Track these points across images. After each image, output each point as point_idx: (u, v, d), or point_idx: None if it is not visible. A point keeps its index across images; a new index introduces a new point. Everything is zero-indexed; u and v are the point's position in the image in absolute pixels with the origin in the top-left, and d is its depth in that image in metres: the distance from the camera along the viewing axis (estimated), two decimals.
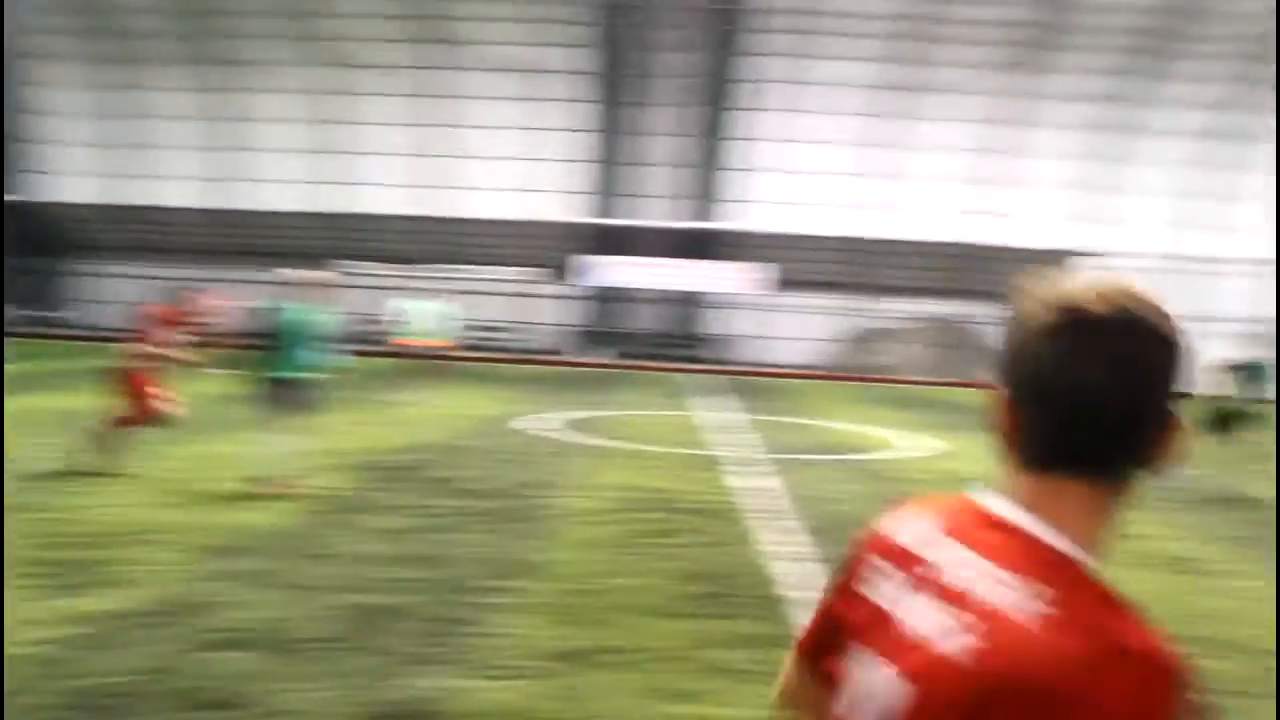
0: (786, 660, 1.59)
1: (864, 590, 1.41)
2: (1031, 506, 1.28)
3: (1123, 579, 1.28)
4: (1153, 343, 1.25)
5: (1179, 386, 1.26)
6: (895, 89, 34.21)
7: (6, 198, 34.60)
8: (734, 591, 7.52)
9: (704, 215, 37.26)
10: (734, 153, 36.69)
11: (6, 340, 21.27)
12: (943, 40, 32.78)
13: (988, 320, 37.61)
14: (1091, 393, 1.23)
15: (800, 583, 7.74)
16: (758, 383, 31.19)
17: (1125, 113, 34.57)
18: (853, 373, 35.53)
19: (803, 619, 1.59)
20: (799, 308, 36.67)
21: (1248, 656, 6.46)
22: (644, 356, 36.13)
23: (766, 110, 35.57)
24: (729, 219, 37.13)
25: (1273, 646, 6.47)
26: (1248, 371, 14.79)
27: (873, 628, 1.34)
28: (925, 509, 1.43)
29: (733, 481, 12.37)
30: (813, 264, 36.39)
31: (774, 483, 12.43)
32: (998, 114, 34.70)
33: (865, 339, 37.31)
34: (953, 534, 1.34)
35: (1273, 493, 12.43)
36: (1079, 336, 1.23)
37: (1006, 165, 35.41)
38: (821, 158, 35.10)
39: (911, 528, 1.41)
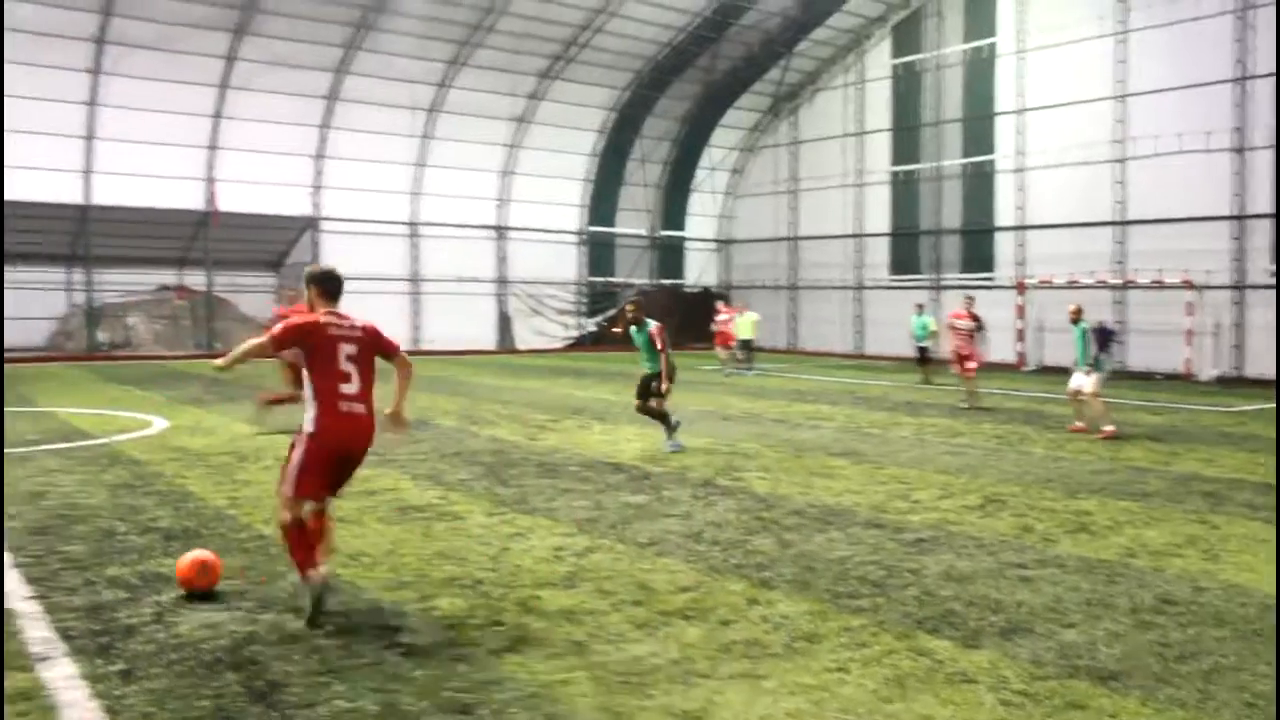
0: (256, 343, 6.42)
1: (328, 332, 6.31)
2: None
3: None
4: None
5: None
6: (126, 45, 31.46)
7: None
8: None
9: None
10: None
11: None
12: None
13: (232, 289, 36.58)
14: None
15: (20, 590, 6.73)
16: None
17: (354, 84, 35.41)
18: (83, 352, 32.52)
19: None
20: (12, 284, 32.49)
21: None
22: None
23: None
24: None
25: None
26: None
27: (339, 339, 6.31)
28: (327, 317, 6.40)
29: None
30: (20, 234, 32.34)
31: None
32: (233, 79, 33.58)
33: (95, 314, 34.11)
34: (338, 314, 6.46)
35: None
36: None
37: (236, 131, 34.46)
38: (25, 115, 31.11)
39: (328, 319, 6.37)
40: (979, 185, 35.92)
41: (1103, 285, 31.46)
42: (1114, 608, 6.61)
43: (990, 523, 9.20)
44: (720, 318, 30.16)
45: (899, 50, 38.67)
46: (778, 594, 6.87)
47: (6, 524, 8.70)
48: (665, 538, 8.49)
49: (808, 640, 5.92)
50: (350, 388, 6.30)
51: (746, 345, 29.98)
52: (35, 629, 5.97)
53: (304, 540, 6.22)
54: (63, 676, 5.25)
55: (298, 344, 6.36)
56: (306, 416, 6.28)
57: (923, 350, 25.96)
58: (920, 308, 27.37)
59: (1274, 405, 21.31)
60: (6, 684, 5.14)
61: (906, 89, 38.47)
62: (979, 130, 35.90)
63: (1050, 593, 6.94)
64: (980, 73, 35.80)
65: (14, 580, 7.00)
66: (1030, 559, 7.87)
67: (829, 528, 8.93)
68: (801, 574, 7.37)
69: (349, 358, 6.34)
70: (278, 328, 6.49)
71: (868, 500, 10.24)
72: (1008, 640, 5.94)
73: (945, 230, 37.08)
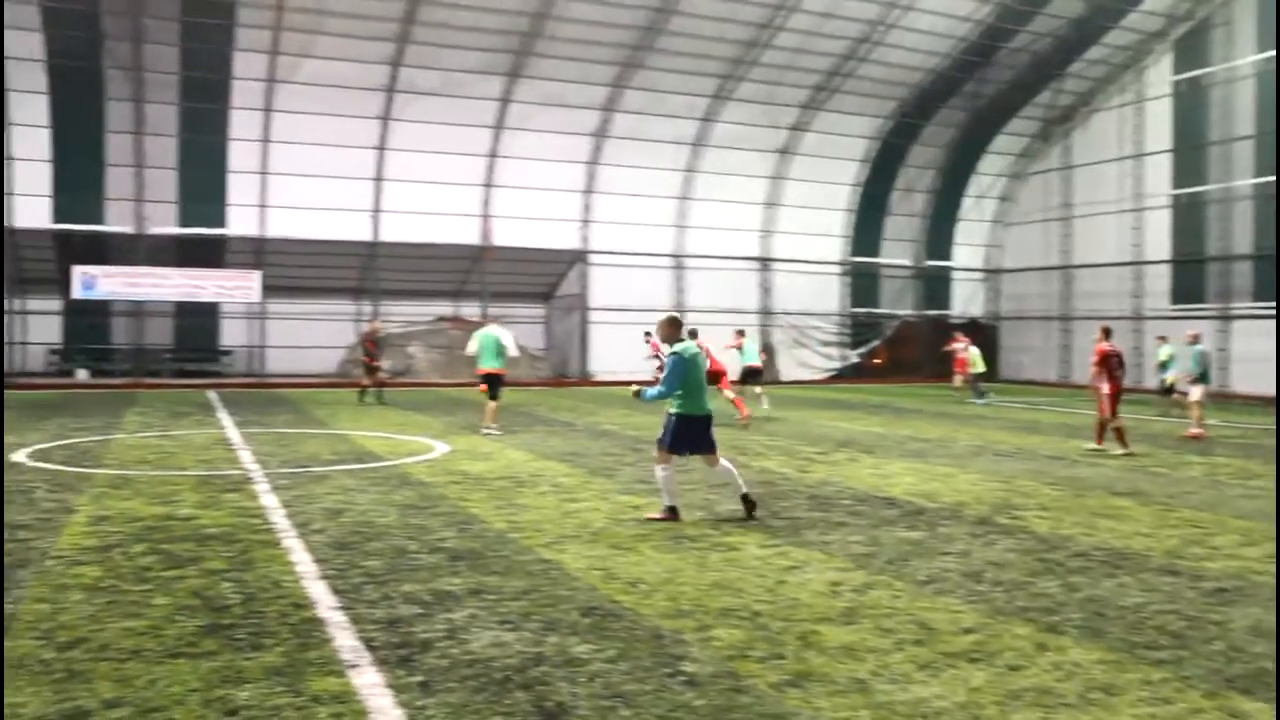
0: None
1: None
2: None
3: None
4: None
5: None
6: (412, 92, 33.69)
7: None
8: (259, 621, 6.70)
9: (198, 220, 34.60)
10: (221, 154, 34.43)
11: None
12: (435, 45, 32.65)
13: (504, 320, 38.18)
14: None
15: (328, 600, 7.18)
16: (272, 394, 29.54)
17: (622, 120, 36.49)
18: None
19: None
20: (308, 315, 35.25)
21: None
22: (143, 373, 33.13)
23: (253, 110, 33.59)
24: (221, 225, 34.87)
25: None
26: None
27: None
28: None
29: (254, 501, 11.35)
30: (316, 269, 35.08)
31: (288, 497, 11.54)
32: (508, 120, 35.28)
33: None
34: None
35: None
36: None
37: (509, 169, 36.13)
38: (322, 160, 33.68)
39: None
40: (1274, 206, 33.24)
41: None
42: None
43: None
44: (956, 346, 32.56)
45: (1182, 65, 36.46)
46: (1068, 640, 6.51)
47: (313, 538, 9.35)
48: (944, 576, 8.22)
49: (1104, 692, 5.57)
50: None
51: (979, 377, 31.34)
52: (344, 637, 6.37)
53: None
54: (369, 684, 5.56)
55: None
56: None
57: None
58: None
59: None
60: (322, 686, 5.50)
61: (1191, 106, 36.19)
62: (1275, 147, 33.27)
63: None
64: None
65: (322, 590, 7.50)
66: None
67: (1119, 572, 8.42)
68: (1092, 620, 6.96)
69: None
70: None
71: (1160, 545, 9.59)
72: None
73: (1235, 256, 34.51)
